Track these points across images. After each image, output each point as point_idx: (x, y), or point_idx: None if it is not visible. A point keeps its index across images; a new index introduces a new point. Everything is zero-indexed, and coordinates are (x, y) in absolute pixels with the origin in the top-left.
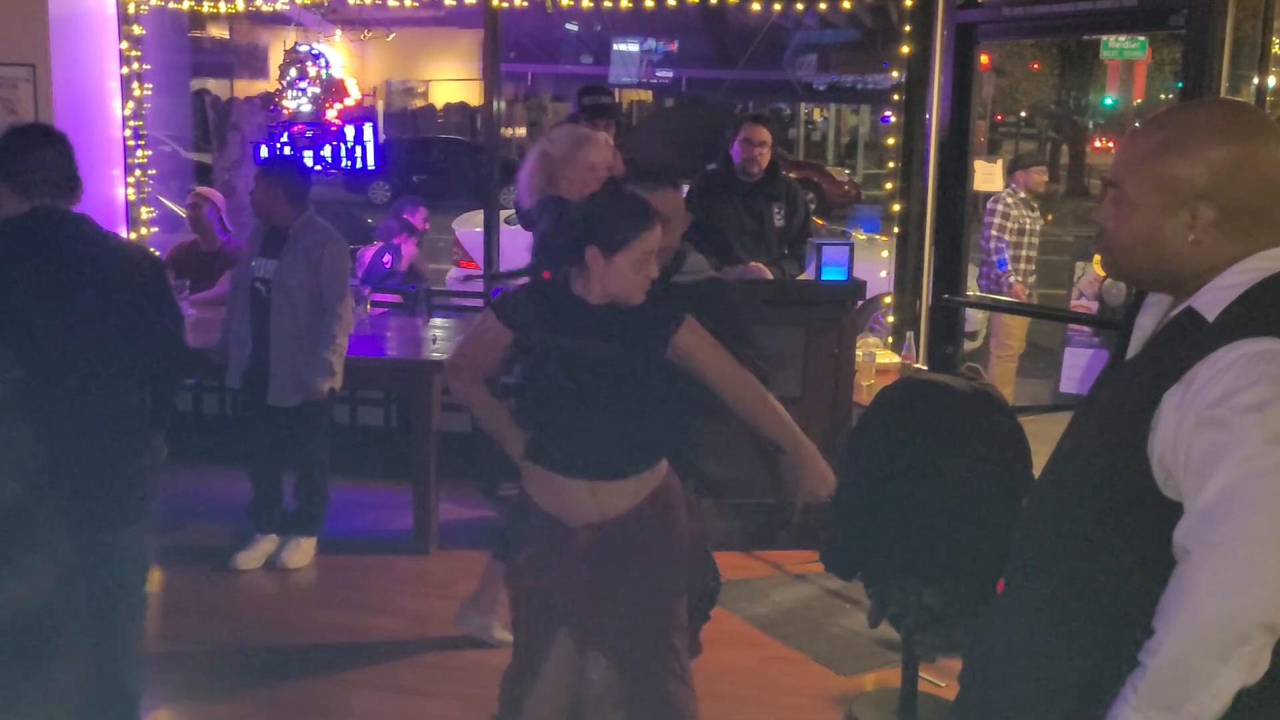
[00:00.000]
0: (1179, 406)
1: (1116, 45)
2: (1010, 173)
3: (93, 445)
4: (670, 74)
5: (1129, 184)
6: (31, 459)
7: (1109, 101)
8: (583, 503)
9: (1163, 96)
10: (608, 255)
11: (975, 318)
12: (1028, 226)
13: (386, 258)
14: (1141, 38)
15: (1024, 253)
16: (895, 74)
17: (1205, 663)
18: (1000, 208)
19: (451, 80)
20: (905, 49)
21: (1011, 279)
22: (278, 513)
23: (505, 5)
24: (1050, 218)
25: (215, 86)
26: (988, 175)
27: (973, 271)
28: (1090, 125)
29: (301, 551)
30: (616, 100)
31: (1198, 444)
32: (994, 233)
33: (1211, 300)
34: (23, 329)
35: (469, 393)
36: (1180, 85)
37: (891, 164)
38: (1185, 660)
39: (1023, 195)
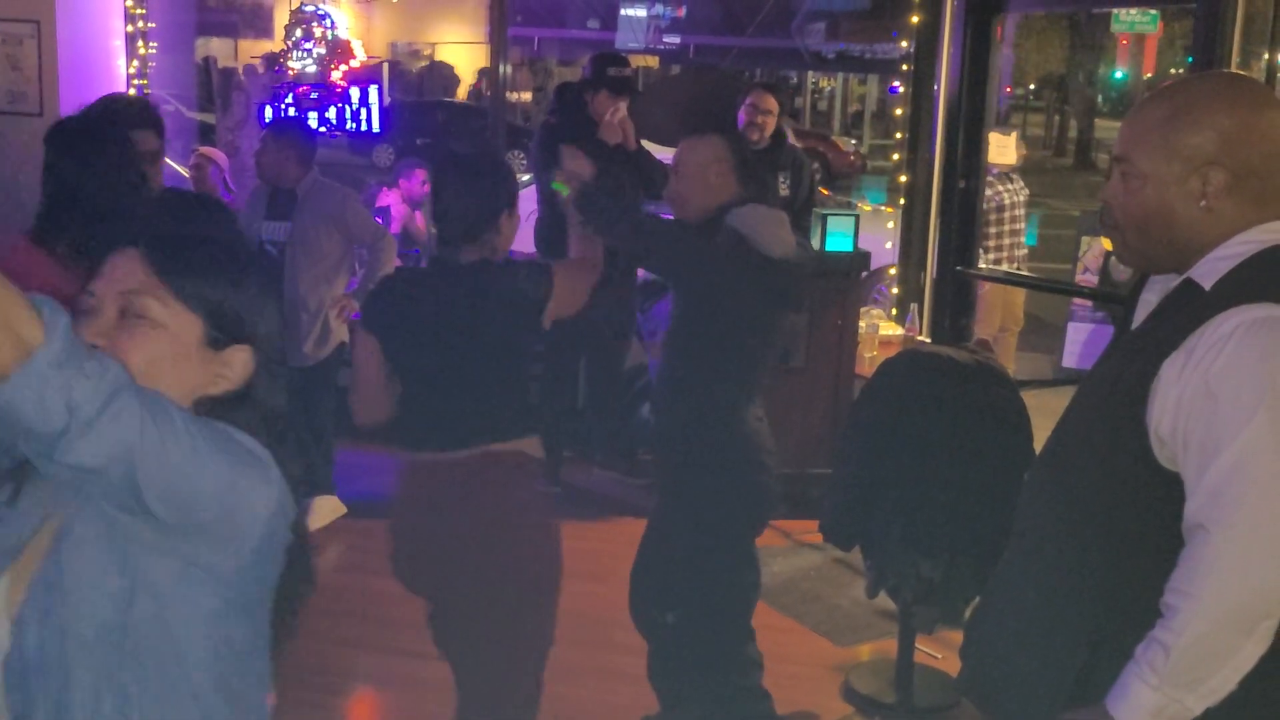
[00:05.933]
0: (1180, 374)
1: (1128, 19)
2: None
3: None
4: (678, 40)
5: (1138, 156)
6: None
7: (1119, 76)
8: None
9: (1172, 71)
10: None
11: None
12: (1006, 201)
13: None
14: (1154, 11)
15: (1006, 228)
16: (905, 44)
17: (1230, 639)
18: None
19: (458, 43)
20: (914, 18)
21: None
22: None
23: None
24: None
25: (220, 46)
26: (1001, 148)
27: None
28: (1099, 100)
29: (322, 513)
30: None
31: (1200, 416)
32: None
33: (1209, 270)
34: None
35: None
36: (1190, 60)
37: (899, 134)
38: (1210, 638)
39: (995, 170)
